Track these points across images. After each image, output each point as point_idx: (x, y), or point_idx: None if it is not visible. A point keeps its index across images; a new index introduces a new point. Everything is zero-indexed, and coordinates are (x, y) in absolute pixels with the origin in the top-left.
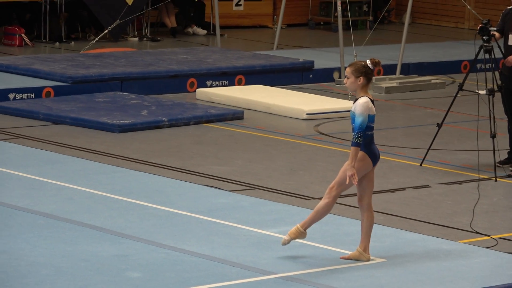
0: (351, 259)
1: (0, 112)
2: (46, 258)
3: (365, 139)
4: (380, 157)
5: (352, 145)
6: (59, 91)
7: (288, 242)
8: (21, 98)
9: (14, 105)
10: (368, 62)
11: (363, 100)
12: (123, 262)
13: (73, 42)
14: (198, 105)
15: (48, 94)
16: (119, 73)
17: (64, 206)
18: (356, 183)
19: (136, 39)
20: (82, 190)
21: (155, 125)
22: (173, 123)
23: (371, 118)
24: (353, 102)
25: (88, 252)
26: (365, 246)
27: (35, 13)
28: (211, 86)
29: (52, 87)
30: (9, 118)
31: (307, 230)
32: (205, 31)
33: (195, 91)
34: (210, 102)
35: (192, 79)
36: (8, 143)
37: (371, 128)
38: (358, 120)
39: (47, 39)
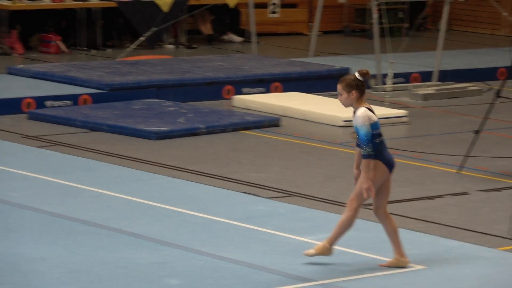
0: (390, 267)
1: (37, 119)
2: (85, 265)
3: (376, 147)
4: (419, 164)
5: (363, 158)
6: (95, 98)
7: (312, 256)
8: (58, 105)
9: (52, 113)
10: (356, 74)
11: (360, 111)
12: (162, 269)
13: (109, 50)
14: (234, 112)
15: (85, 102)
16: (155, 80)
17: (102, 213)
18: (374, 196)
19: (172, 46)
20: (119, 197)
21: (192, 132)
22: (210, 130)
23: (374, 126)
24: (352, 115)
25: (127, 259)
26: (400, 252)
27: (71, 21)
28: (247, 93)
29: (88, 94)
30: (47, 125)
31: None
32: (241, 38)
33: (231, 98)
34: (247, 109)
35: (228, 86)
36: (46, 150)
37: (379, 135)
38: (362, 132)
39: (84, 46)
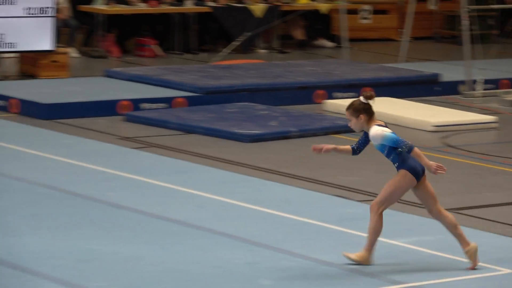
0: (474, 265)
1: (133, 121)
2: (180, 264)
3: (399, 157)
4: (508, 169)
5: (409, 154)
6: (190, 101)
7: (351, 261)
8: (154, 108)
9: (147, 115)
10: (361, 98)
11: (373, 130)
12: (255, 269)
13: (203, 54)
14: (326, 116)
15: (179, 104)
16: (248, 84)
17: (196, 213)
18: (443, 171)
19: (265, 51)
20: (213, 198)
21: (284, 136)
22: (302, 134)
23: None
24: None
25: (221, 259)
26: (466, 243)
27: (167, 25)
28: (339, 97)
29: (183, 97)
30: (142, 127)
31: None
32: (333, 44)
33: (322, 102)
34: (338, 113)
35: (319, 91)
36: (141, 152)
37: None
38: (388, 141)
39: (178, 50)
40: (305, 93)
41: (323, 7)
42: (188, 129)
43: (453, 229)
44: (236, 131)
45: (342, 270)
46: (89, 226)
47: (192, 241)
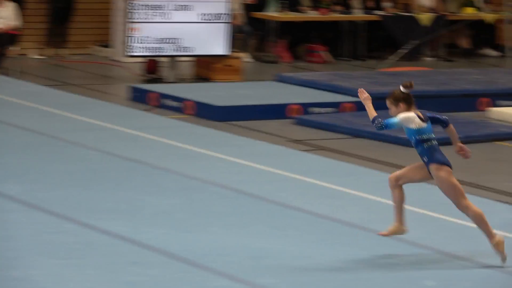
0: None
1: (302, 124)
2: (346, 264)
3: (427, 151)
4: None
5: (375, 121)
6: (358, 106)
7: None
8: (323, 112)
9: (316, 119)
10: (401, 87)
11: (406, 113)
12: (419, 270)
13: (371, 61)
14: (490, 124)
15: (347, 109)
16: (414, 91)
17: (363, 215)
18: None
19: (431, 59)
20: (379, 200)
21: (448, 142)
22: (466, 140)
23: (419, 131)
24: None
25: (385, 260)
26: (400, 220)
27: (336, 32)
28: (503, 105)
29: (351, 102)
30: (311, 130)
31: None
32: (498, 53)
33: (487, 110)
34: (502, 121)
35: (483, 99)
36: (310, 154)
37: (427, 140)
38: (393, 120)
39: (347, 57)
40: (469, 101)
41: (489, 17)
42: (355, 133)
43: (400, 203)
44: (401, 136)
45: (505, 273)
46: (259, 225)
47: (359, 242)
